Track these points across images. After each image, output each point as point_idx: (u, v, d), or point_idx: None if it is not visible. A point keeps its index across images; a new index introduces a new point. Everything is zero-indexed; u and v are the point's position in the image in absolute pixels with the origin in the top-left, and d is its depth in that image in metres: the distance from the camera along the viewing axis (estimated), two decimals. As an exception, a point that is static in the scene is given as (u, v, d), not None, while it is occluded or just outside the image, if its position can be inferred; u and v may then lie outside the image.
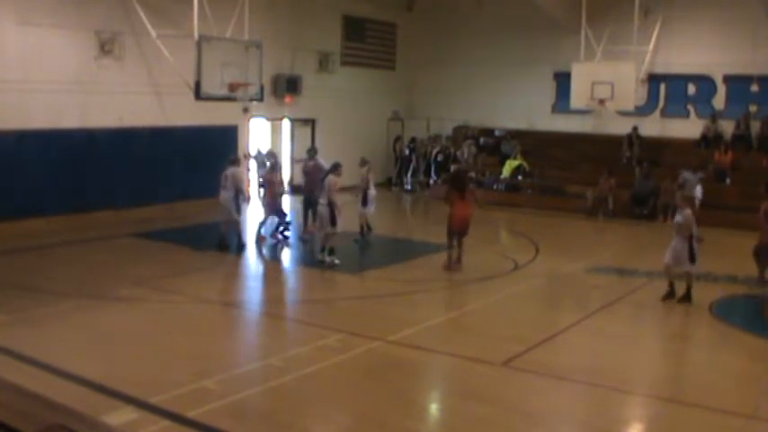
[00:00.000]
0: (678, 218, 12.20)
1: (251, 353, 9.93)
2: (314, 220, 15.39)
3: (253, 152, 22.28)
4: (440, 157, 25.63)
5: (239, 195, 15.37)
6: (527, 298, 13.00)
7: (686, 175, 18.22)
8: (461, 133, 26.58)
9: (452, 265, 14.03)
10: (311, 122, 24.48)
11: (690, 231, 11.89)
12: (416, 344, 9.79)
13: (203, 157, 20.24)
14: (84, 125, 17.64)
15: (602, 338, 10.55)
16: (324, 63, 24.31)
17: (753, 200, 19.22)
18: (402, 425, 7.51)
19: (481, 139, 26.05)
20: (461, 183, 14.72)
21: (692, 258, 11.87)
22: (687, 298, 12.00)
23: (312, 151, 17.66)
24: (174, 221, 17.82)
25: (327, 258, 14.07)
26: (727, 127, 22.43)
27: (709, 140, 22.41)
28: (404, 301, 12.09)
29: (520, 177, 23.76)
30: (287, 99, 22.94)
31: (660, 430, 7.88)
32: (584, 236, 19.37)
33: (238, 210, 15.38)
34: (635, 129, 23.12)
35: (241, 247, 15.37)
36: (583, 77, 21.91)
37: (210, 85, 17.42)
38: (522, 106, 25.60)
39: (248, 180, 22.45)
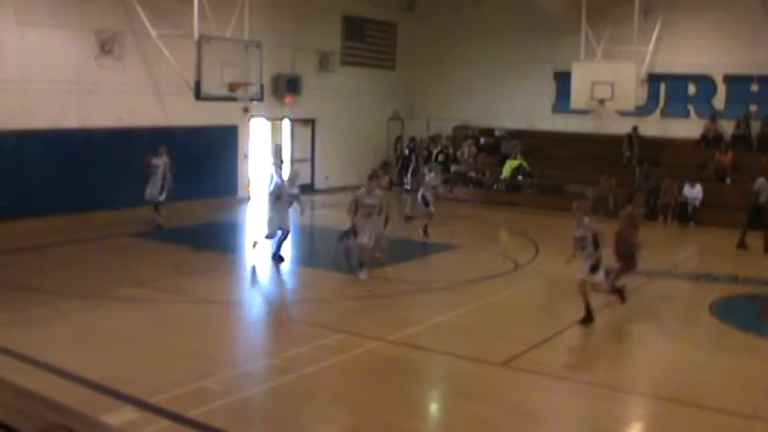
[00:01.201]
0: (578, 232, 10.78)
1: (251, 352, 9.93)
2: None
3: (273, 153, 22.43)
4: (441, 157, 25.63)
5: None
6: (527, 298, 13.00)
7: (762, 181, 17.56)
8: (461, 133, 26.58)
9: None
10: (311, 122, 24.48)
11: (594, 243, 10.58)
12: (417, 344, 9.79)
13: (203, 157, 20.25)
14: (84, 125, 17.64)
15: (602, 338, 10.55)
16: (324, 63, 24.30)
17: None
18: (402, 425, 7.51)
19: (481, 139, 26.05)
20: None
21: (595, 269, 10.62)
22: (622, 299, 11.18)
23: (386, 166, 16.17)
24: (173, 221, 17.81)
25: (360, 274, 13.16)
26: (728, 127, 22.43)
27: (710, 140, 22.40)
28: (404, 301, 12.09)
29: (520, 177, 23.75)
30: (287, 99, 22.94)
31: (660, 430, 7.88)
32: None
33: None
34: (635, 128, 23.12)
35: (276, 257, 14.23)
36: (583, 77, 21.92)
37: (210, 85, 17.42)
38: (522, 106, 25.59)
39: (248, 181, 22.49)
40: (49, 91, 16.80)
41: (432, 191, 17.19)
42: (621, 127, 23.42)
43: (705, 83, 22.86)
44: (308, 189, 24.37)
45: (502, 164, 24.31)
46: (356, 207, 13.05)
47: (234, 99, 18.65)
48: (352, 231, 13.33)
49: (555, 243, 17.47)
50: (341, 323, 10.67)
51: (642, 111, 23.17)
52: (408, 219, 17.36)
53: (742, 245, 16.69)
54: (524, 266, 14.64)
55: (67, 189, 17.27)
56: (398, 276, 13.82)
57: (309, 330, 10.44)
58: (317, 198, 23.83)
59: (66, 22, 17.16)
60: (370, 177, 13.42)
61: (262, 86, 19.24)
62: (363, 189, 13.21)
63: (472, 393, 8.34)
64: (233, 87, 17.98)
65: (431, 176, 17.46)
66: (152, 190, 17.06)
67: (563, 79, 23.80)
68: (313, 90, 23.57)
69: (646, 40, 21.81)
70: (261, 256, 14.44)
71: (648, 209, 20.57)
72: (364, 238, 13.00)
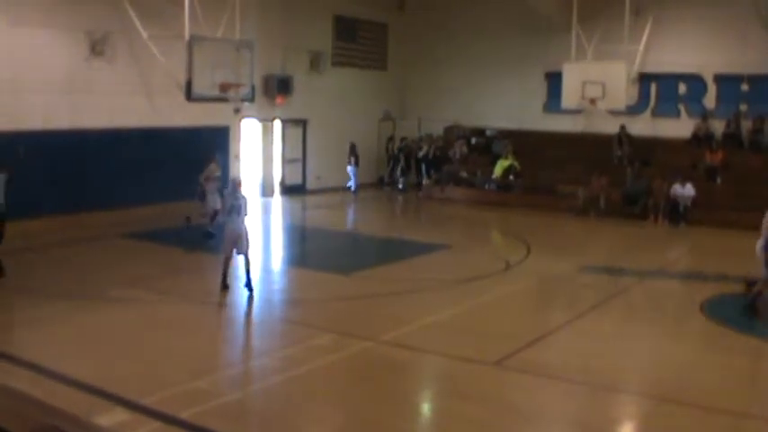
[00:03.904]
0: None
1: (244, 353, 9.93)
2: None
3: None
4: (430, 155, 25.67)
5: None
6: (519, 298, 13.02)
7: None
8: (453, 133, 26.60)
9: None
10: (302, 123, 24.46)
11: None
12: (409, 344, 9.80)
13: (195, 158, 20.17)
14: (75, 126, 17.57)
15: (594, 337, 10.58)
16: (315, 63, 24.27)
17: (743, 199, 19.35)
18: (394, 425, 7.51)
19: (472, 139, 26.09)
20: None
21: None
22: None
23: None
24: (166, 222, 17.77)
25: None
26: (718, 126, 22.50)
27: (700, 140, 22.47)
28: (396, 302, 12.08)
29: (511, 177, 23.78)
30: (278, 100, 22.91)
31: (652, 429, 7.90)
32: (575, 235, 19.40)
33: None
34: (623, 128, 23.15)
35: None
36: (574, 77, 21.96)
37: (201, 86, 17.38)
38: (513, 106, 25.61)
39: (240, 182, 22.35)
40: (39, 92, 16.73)
41: None
42: (612, 126, 23.45)
43: (696, 82, 22.93)
44: (299, 189, 24.41)
45: (493, 164, 24.34)
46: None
47: (225, 100, 18.62)
48: None
49: (546, 243, 17.58)
50: (333, 323, 10.67)
51: (633, 110, 23.22)
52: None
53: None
54: (516, 266, 14.66)
55: (59, 190, 17.16)
56: (389, 276, 13.82)
57: (301, 331, 10.44)
58: (309, 198, 23.85)
59: (57, 22, 17.10)
60: None
61: (253, 87, 19.21)
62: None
63: (464, 393, 8.35)
64: (224, 88, 17.96)
65: None
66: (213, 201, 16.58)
67: (554, 79, 23.82)
68: (304, 91, 23.55)
69: (636, 39, 21.89)
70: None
71: (640, 208, 20.66)
72: None
